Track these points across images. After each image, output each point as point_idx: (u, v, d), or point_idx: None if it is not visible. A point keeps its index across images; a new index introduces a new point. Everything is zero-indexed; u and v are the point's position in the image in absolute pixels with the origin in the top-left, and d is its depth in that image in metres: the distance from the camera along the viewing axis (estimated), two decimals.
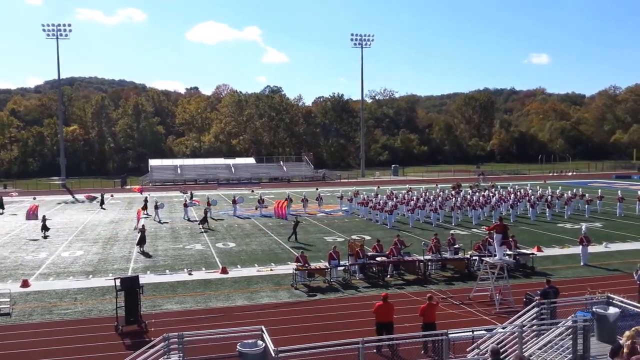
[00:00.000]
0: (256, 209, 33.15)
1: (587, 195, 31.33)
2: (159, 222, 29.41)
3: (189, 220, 30.23)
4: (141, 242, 21.30)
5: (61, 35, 60.02)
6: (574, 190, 33.41)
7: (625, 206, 30.38)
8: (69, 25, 60.46)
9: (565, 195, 31.81)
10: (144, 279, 15.33)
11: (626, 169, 70.84)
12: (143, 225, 22.85)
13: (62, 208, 37.98)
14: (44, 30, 59.70)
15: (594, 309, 9.44)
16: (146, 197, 37.10)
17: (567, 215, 29.21)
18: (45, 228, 25.52)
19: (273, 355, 7.41)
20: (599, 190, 33.32)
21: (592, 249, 18.86)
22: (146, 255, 20.63)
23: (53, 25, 59.71)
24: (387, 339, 9.49)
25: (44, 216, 26.71)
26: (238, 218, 30.77)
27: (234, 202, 32.77)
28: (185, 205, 31.94)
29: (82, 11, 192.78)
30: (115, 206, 38.23)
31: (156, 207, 30.67)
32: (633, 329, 7.02)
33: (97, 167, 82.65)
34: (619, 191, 32.55)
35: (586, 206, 29.71)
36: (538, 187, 37.12)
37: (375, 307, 10.83)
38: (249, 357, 7.97)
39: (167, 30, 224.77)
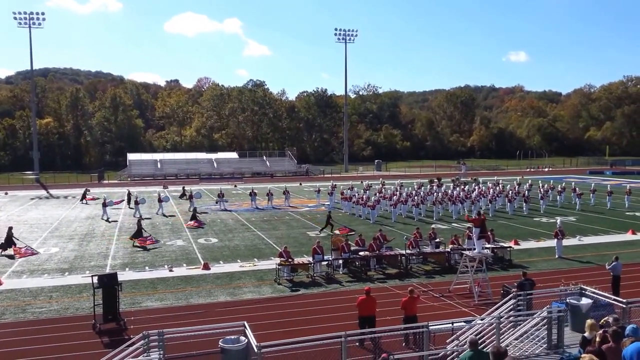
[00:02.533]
0: (216, 202, 32.80)
1: (577, 189, 32.42)
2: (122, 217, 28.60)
3: (164, 215, 29.74)
4: (137, 235, 21.01)
5: (34, 23, 57.70)
6: (562, 184, 34.59)
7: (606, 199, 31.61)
8: (42, 13, 58.25)
9: (543, 189, 32.65)
10: (123, 276, 15.00)
11: (599, 165, 73.40)
12: (139, 218, 22.39)
13: (35, 203, 36.72)
14: (15, 18, 57.25)
15: (567, 300, 9.78)
16: (128, 191, 36.51)
17: (542, 209, 30.09)
18: (9, 244, 19.57)
19: (255, 350, 7.39)
20: (592, 184, 34.56)
21: (566, 242, 19.49)
22: (143, 249, 20.35)
23: (25, 13, 57.36)
24: (369, 332, 9.59)
25: (10, 227, 20.57)
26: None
27: (191, 197, 32.27)
28: (160, 200, 31.43)
29: None
30: (92, 202, 37.16)
31: (136, 202, 30.18)
32: (592, 320, 7.29)
33: (72, 162, 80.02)
34: (609, 185, 33.98)
35: (577, 199, 30.80)
36: (530, 182, 38.16)
37: (358, 301, 10.91)
38: (230, 353, 7.91)
39: (144, 20, 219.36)
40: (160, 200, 31.08)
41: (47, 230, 25.26)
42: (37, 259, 19.04)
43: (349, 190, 33.77)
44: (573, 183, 35.89)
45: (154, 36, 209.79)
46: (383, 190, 33.90)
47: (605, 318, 7.56)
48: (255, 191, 34.58)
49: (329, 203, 33.42)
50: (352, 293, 14.03)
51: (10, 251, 19.59)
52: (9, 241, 19.79)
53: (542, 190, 32.08)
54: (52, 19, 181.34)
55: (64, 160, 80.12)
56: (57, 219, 29.02)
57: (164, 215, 29.31)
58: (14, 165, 72.62)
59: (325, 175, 61.21)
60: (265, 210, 31.44)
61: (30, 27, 57.67)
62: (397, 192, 31.29)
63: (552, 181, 38.28)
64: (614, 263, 13.76)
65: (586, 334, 6.91)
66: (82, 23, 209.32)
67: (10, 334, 11.63)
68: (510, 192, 31.91)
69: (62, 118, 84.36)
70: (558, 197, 32.57)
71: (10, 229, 20.41)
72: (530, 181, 38.80)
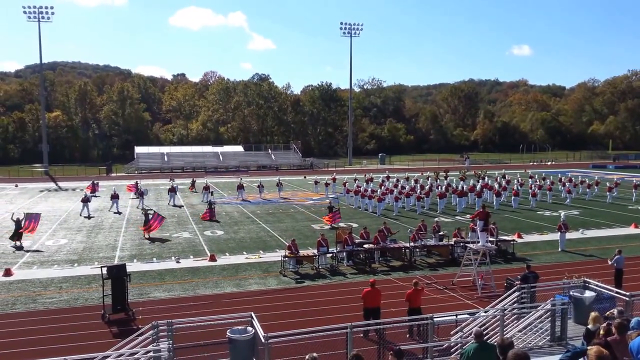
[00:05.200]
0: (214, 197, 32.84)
1: (608, 183, 32.38)
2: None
3: (174, 206, 30.17)
4: (146, 224, 21.42)
5: (43, 17, 58.00)
6: (579, 178, 34.53)
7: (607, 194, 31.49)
8: (51, 7, 58.44)
9: (570, 182, 32.40)
10: (131, 267, 15.19)
11: (602, 159, 72.82)
12: (145, 209, 22.72)
13: (45, 196, 37.15)
14: (24, 12, 57.65)
15: (571, 293, 9.83)
16: (137, 182, 36.96)
17: (569, 202, 29.95)
18: (17, 235, 19.78)
19: (263, 340, 7.52)
20: (615, 177, 34.47)
21: (569, 235, 19.49)
22: (151, 240, 20.74)
23: (34, 7, 57.66)
24: (375, 323, 9.71)
25: (17, 219, 20.34)
26: (175, 207, 30.17)
27: (172, 190, 31.98)
28: (173, 191, 31.81)
29: None
30: (100, 194, 37.47)
31: (141, 194, 30.62)
32: (596, 312, 7.35)
33: (80, 154, 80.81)
34: (634, 179, 33.98)
35: (608, 193, 30.93)
36: (543, 175, 38.04)
37: (363, 292, 11.02)
38: (238, 343, 8.07)
39: (149, 14, 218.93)
40: (140, 195, 30.72)
41: (56, 222, 25.58)
42: (47, 250, 19.39)
43: (354, 182, 33.84)
44: (596, 177, 35.87)
45: (160, 30, 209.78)
46: (386, 182, 33.95)
47: (611, 310, 7.62)
48: (243, 184, 34.85)
49: (334, 196, 33.55)
50: (357, 285, 14.18)
51: (19, 243, 19.91)
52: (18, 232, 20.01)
53: (567, 183, 31.93)
54: (58, 13, 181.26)
55: (72, 153, 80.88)
56: (66, 211, 29.35)
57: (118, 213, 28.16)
58: (23, 158, 73.35)
59: (330, 169, 61.29)
60: (270, 203, 31.64)
61: (39, 21, 57.98)
62: (399, 185, 31.34)
63: (567, 174, 37.97)
64: (617, 257, 13.79)
65: (590, 326, 6.96)
66: (88, 17, 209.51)
67: (21, 324, 11.89)
68: (516, 185, 31.89)
69: (71, 111, 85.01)
70: (588, 190, 32.45)
71: (18, 220, 20.49)
72: (549, 177, 38.53)
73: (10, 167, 61.60)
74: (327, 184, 34.60)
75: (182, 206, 30.56)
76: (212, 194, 33.06)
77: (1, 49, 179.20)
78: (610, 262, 13.93)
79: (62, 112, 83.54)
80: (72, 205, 31.74)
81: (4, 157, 74.55)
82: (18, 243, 19.88)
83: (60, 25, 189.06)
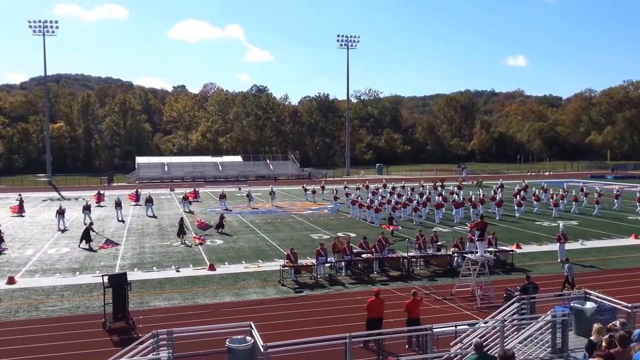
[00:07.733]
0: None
1: (638, 194, 32.18)
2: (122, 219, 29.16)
3: (152, 216, 29.88)
4: (181, 231, 22.22)
5: (47, 31, 59.18)
6: (596, 189, 34.31)
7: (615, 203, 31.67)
8: (56, 21, 59.74)
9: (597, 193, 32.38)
10: (131, 276, 15.18)
11: (600, 169, 73.09)
12: (182, 218, 23.36)
13: (48, 205, 37.22)
14: (30, 26, 58.71)
15: (571, 304, 9.79)
16: (137, 190, 37.16)
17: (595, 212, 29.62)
18: (86, 238, 21.23)
19: (262, 350, 7.53)
20: (639, 189, 33.95)
21: (568, 246, 19.51)
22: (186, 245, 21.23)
23: (39, 21, 58.69)
24: (374, 334, 9.69)
25: (90, 223, 22.81)
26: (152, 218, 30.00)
27: (149, 200, 31.78)
28: (150, 201, 31.27)
29: (60, 6, 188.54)
30: (105, 203, 37.43)
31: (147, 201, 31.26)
32: (599, 324, 7.38)
33: (83, 164, 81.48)
34: None
35: (638, 203, 31.04)
36: (544, 186, 38.28)
37: (367, 302, 10.93)
38: (238, 353, 8.07)
39: (149, 27, 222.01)
40: (117, 205, 30.28)
41: (59, 230, 25.58)
42: (49, 258, 19.45)
43: (344, 189, 34.01)
44: (618, 188, 35.98)
45: (159, 42, 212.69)
46: (381, 190, 34.04)
47: (614, 322, 7.64)
48: (225, 193, 34.96)
49: (331, 206, 33.59)
50: (355, 295, 14.21)
51: (85, 245, 21.16)
52: (87, 236, 21.36)
53: (594, 194, 32.04)
54: (61, 26, 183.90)
55: (74, 163, 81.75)
56: (68, 220, 29.21)
57: (122, 221, 28.52)
58: (27, 168, 73.85)
59: (328, 179, 61.47)
60: (268, 213, 31.68)
61: (44, 35, 58.98)
62: (396, 194, 31.48)
63: (583, 186, 37.86)
64: (567, 265, 14.31)
65: (592, 338, 6.89)
66: (90, 30, 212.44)
67: (23, 332, 11.92)
68: (517, 194, 32.03)
69: (74, 122, 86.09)
70: (615, 200, 32.42)
71: (90, 224, 22.56)
72: (544, 184, 38.66)
73: (14, 177, 61.97)
74: (313, 192, 34.81)
75: (157, 217, 29.89)
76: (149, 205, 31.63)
77: (7, 61, 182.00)
78: (566, 274, 14.26)
79: (66, 123, 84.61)
80: (74, 214, 31.72)
81: (9, 167, 75.25)
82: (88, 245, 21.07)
83: (63, 38, 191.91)
